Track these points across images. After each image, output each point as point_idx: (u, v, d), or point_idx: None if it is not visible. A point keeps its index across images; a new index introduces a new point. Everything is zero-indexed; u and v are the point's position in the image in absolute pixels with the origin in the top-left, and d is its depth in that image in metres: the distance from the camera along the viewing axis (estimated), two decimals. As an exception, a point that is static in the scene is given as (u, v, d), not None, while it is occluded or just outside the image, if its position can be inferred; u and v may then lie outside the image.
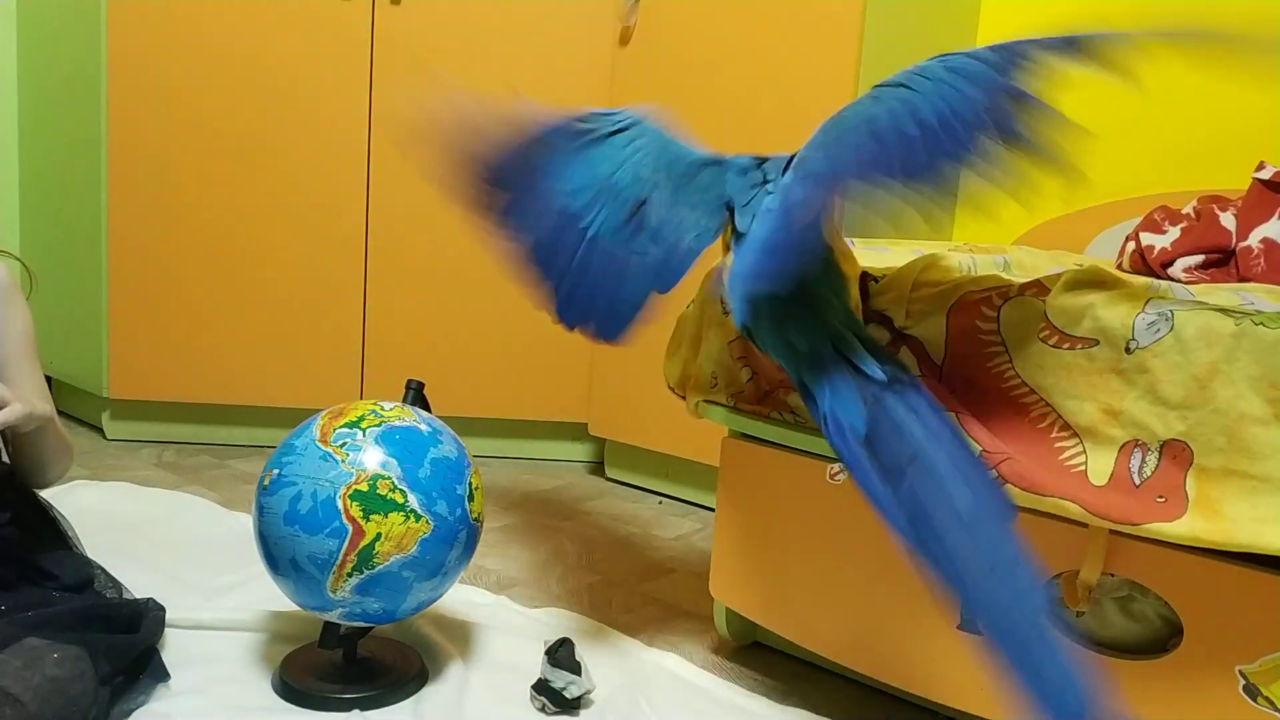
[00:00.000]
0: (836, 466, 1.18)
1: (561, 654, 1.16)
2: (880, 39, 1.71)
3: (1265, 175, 1.54)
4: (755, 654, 1.37)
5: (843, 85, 1.68)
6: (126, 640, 1.11)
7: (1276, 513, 0.89)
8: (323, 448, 1.09)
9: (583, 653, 1.18)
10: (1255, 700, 0.93)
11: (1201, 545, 0.92)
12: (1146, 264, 1.53)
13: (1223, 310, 0.94)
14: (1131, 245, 1.56)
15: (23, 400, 1.13)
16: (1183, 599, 0.97)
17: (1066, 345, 1.00)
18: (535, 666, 1.19)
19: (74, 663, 0.99)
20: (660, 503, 2.01)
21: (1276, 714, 0.92)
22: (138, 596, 1.23)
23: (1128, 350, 0.97)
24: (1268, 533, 0.89)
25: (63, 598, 1.14)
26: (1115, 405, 0.98)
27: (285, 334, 2.12)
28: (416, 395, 1.24)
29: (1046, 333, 1.01)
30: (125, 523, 1.64)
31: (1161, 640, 1.01)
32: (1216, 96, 1.78)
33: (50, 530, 1.27)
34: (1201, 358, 0.92)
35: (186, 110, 2.05)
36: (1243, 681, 0.93)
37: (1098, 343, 0.98)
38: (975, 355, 1.06)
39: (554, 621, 1.39)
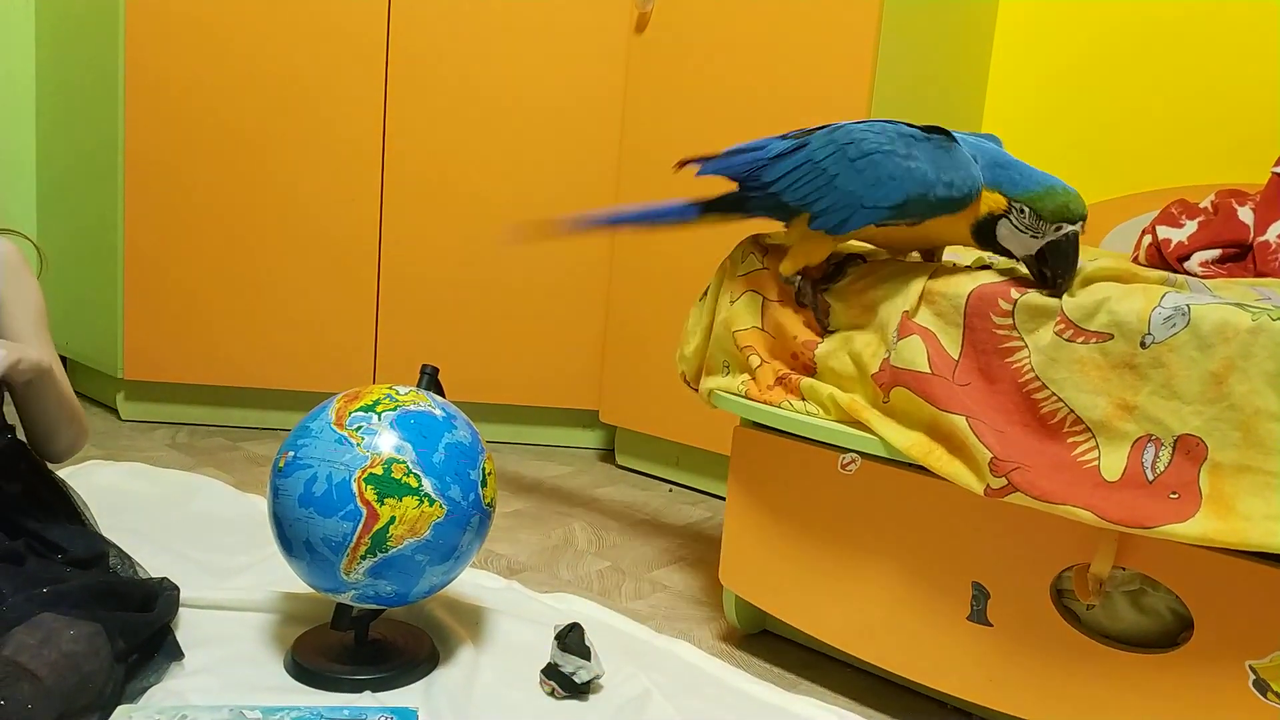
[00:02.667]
0: (848, 457, 1.18)
1: (571, 639, 1.16)
2: (898, 26, 1.70)
3: (1284, 170, 1.52)
4: (764, 642, 1.38)
5: (860, 73, 1.67)
6: (141, 618, 1.11)
7: (1290, 509, 0.89)
8: (338, 431, 1.09)
9: (592, 638, 1.19)
10: (1265, 695, 0.93)
11: (1215, 546, 0.92)
12: (1163, 257, 1.52)
13: (1240, 305, 0.94)
14: (1148, 238, 1.55)
15: (10, 349, 1.12)
16: (1194, 593, 0.97)
17: (1081, 339, 1.00)
18: (545, 651, 1.19)
19: (90, 639, 1.00)
20: (670, 491, 2.01)
21: (1286, 710, 0.92)
22: (152, 575, 1.24)
23: (1143, 345, 0.96)
24: (1281, 530, 0.89)
25: (73, 572, 1.14)
26: (1129, 400, 0.97)
27: (299, 318, 2.13)
28: (431, 380, 1.24)
29: (1061, 326, 1.01)
30: (139, 503, 1.65)
31: (1172, 634, 1.01)
32: (1235, 90, 1.77)
33: (64, 506, 1.28)
34: (1218, 353, 0.92)
35: (202, 98, 2.05)
36: (1253, 676, 0.93)
37: (1112, 337, 0.98)
38: (991, 348, 1.06)
39: (564, 607, 1.40)
